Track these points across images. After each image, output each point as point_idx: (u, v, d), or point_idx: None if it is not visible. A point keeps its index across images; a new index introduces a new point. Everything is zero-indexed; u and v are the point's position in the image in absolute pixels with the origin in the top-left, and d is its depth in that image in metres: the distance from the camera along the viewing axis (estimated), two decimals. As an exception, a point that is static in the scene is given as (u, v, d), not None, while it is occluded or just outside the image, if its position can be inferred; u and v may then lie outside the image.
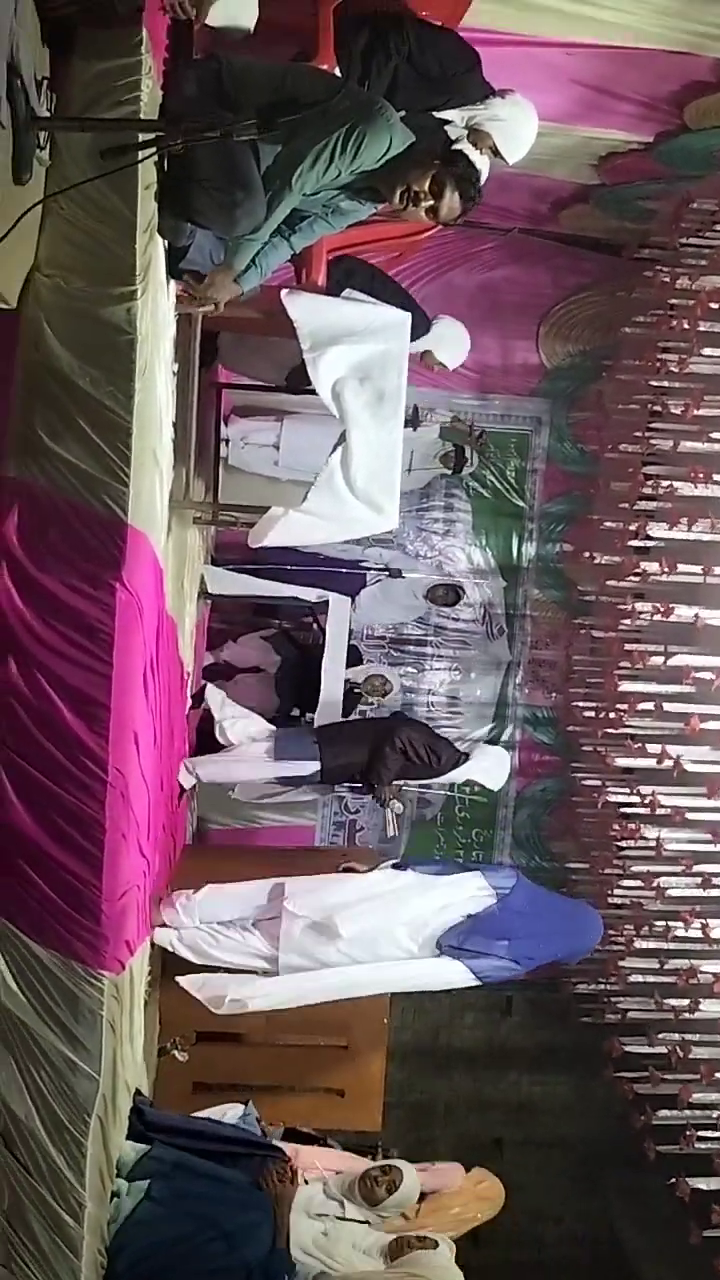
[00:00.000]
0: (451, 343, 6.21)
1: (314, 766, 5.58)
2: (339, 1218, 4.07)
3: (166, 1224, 3.50)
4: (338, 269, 4.81)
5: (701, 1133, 6.01)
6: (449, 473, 7.56)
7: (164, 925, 4.66)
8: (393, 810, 5.82)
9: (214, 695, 5.83)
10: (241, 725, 5.71)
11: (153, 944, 4.46)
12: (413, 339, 5.80)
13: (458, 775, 5.81)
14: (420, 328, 5.91)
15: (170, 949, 4.63)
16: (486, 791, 6.75)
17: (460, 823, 8.17)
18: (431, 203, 3.55)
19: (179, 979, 4.63)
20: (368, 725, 6.08)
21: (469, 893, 4.61)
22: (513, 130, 4.83)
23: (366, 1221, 4.11)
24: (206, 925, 4.65)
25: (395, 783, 5.72)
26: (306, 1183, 4.08)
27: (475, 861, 8.14)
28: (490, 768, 5.90)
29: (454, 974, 4.60)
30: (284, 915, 4.61)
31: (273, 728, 5.78)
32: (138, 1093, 3.94)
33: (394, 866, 4.88)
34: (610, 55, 5.40)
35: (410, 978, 4.70)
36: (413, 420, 6.88)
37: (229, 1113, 4.31)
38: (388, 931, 4.54)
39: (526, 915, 4.63)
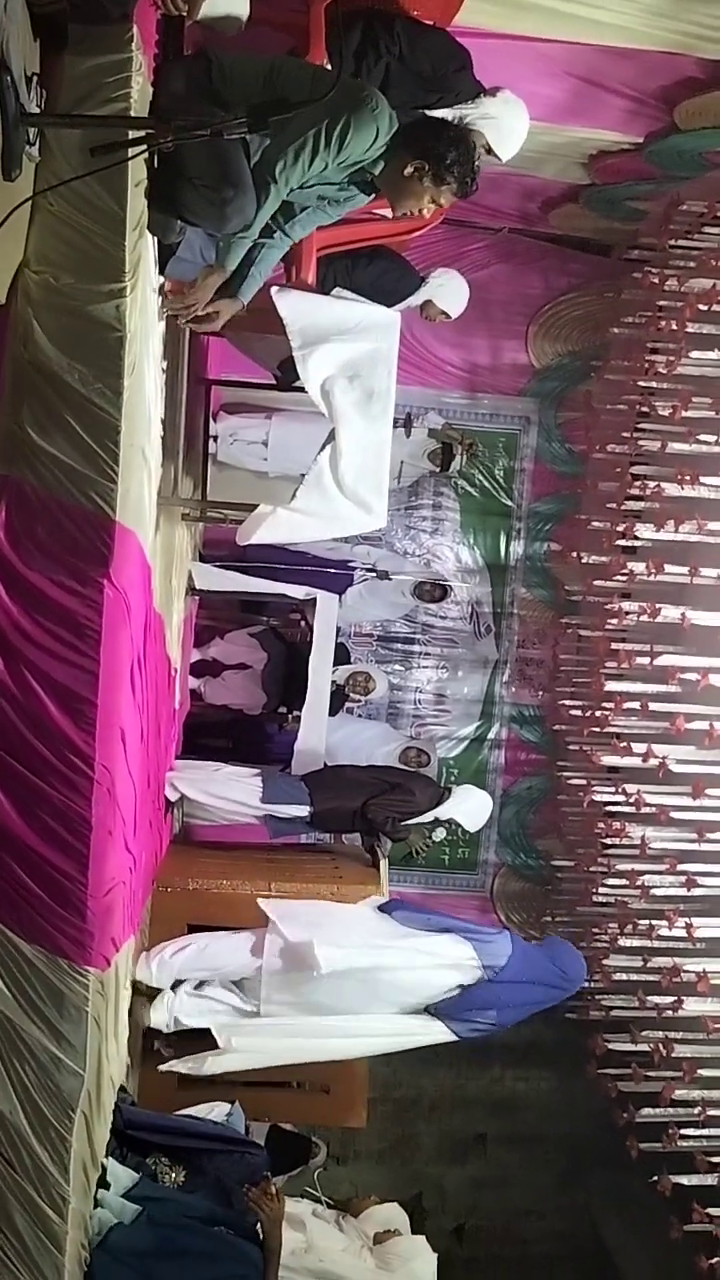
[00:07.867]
0: (451, 291, 6.16)
1: (304, 809, 5.62)
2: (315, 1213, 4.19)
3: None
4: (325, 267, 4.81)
5: (684, 1130, 6.05)
6: (437, 470, 7.57)
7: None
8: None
9: (183, 787, 5.60)
10: (229, 797, 5.66)
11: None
12: (407, 295, 5.82)
13: (440, 812, 5.86)
14: (414, 283, 5.89)
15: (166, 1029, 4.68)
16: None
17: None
18: (429, 197, 3.56)
19: (161, 1067, 4.69)
20: (354, 778, 5.95)
21: (459, 962, 4.60)
22: (506, 126, 4.82)
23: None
24: (189, 992, 4.67)
25: (408, 823, 5.81)
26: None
27: (461, 871, 8.20)
28: (472, 810, 5.96)
29: (436, 1032, 4.66)
30: (266, 934, 4.66)
31: (255, 772, 5.75)
32: (121, 1089, 3.95)
33: (379, 908, 4.92)
34: (601, 50, 5.41)
35: (391, 1037, 4.76)
36: (405, 425, 6.89)
37: (215, 1110, 4.31)
38: (366, 984, 4.54)
39: (517, 984, 4.62)
